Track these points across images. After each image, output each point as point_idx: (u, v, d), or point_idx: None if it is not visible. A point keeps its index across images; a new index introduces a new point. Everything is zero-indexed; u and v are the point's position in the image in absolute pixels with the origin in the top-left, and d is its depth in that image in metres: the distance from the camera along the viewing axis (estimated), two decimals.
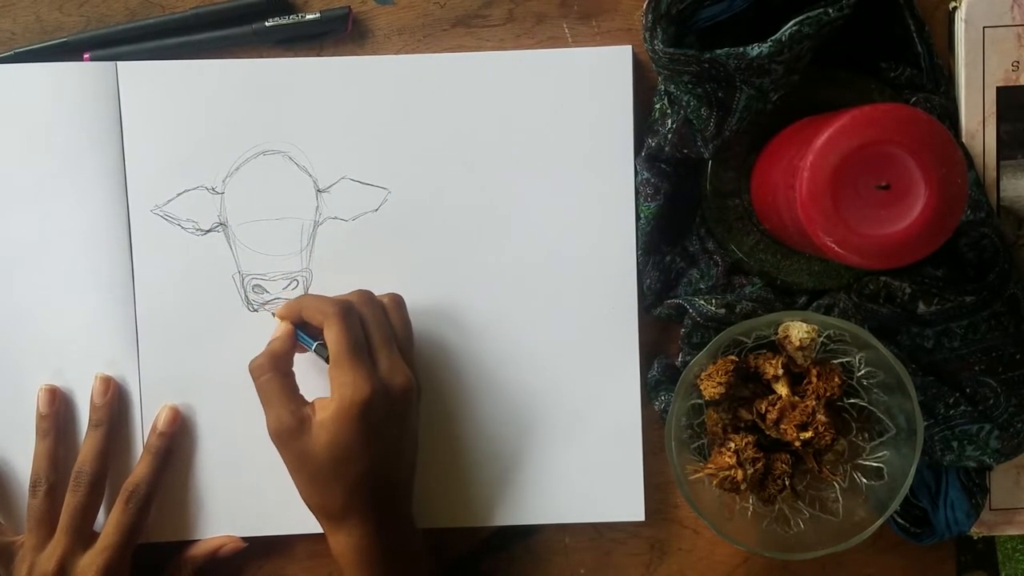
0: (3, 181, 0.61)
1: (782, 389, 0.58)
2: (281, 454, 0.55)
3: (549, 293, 0.62)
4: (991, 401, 0.61)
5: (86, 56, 0.61)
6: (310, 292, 0.62)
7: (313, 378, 0.59)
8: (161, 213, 0.61)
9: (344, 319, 0.55)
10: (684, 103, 0.58)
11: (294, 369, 0.57)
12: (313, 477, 0.55)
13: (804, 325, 0.58)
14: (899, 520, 0.62)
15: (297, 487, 0.56)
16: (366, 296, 0.58)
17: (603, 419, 0.63)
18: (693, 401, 0.60)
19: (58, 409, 0.61)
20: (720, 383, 0.57)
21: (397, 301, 0.59)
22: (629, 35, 0.62)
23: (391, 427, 0.56)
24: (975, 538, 0.65)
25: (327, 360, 0.55)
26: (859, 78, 0.60)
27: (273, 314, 0.59)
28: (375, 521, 0.55)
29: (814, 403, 0.57)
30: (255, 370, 0.56)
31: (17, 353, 0.61)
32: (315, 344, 0.57)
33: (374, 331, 0.56)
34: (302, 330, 0.58)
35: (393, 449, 0.56)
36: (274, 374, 0.55)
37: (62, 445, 0.61)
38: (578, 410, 0.63)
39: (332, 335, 0.54)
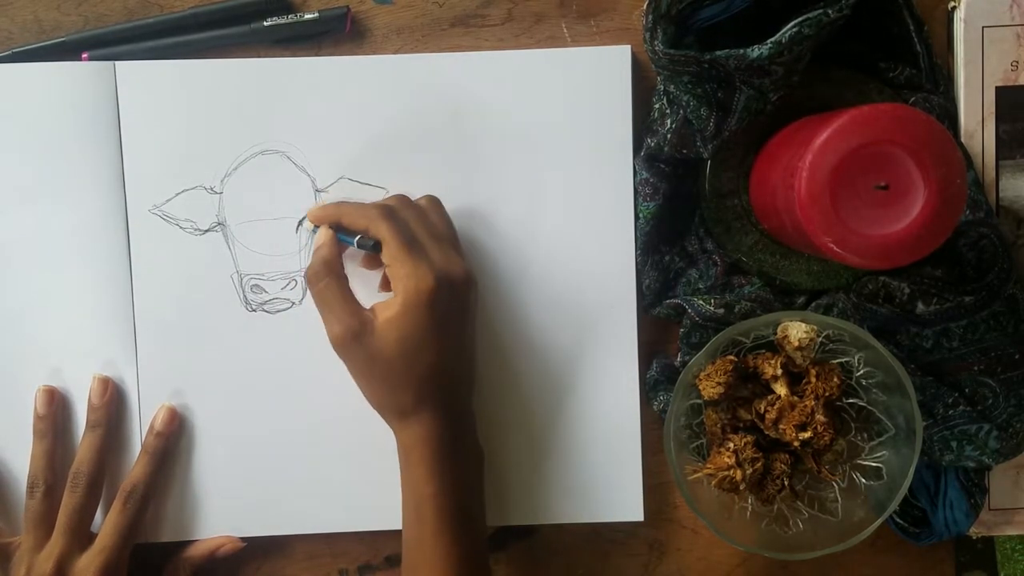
0: (1, 181, 0.61)
1: (781, 389, 0.58)
2: (346, 360, 0.55)
3: (548, 293, 0.62)
4: (990, 401, 0.61)
5: (84, 56, 0.61)
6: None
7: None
8: (159, 213, 0.61)
9: (391, 218, 0.55)
10: (684, 103, 0.58)
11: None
12: (383, 377, 0.55)
13: (803, 325, 0.58)
14: (898, 520, 0.62)
15: (364, 391, 0.56)
16: (403, 199, 0.58)
17: (602, 419, 0.63)
18: (692, 401, 0.60)
19: (56, 410, 0.61)
20: (719, 383, 0.57)
21: (434, 201, 0.59)
22: (628, 35, 0.62)
23: (455, 317, 0.56)
24: (974, 538, 0.65)
25: (371, 249, 0.55)
26: (858, 78, 0.60)
27: (300, 223, 0.60)
28: (444, 411, 0.56)
29: (813, 403, 0.57)
30: (312, 277, 0.56)
31: (15, 353, 0.61)
32: (357, 238, 0.56)
33: (419, 228, 0.56)
34: (340, 234, 0.57)
35: (457, 341, 0.57)
36: (331, 278, 0.55)
37: (60, 446, 0.61)
38: (577, 410, 0.63)
39: (384, 233, 0.54)
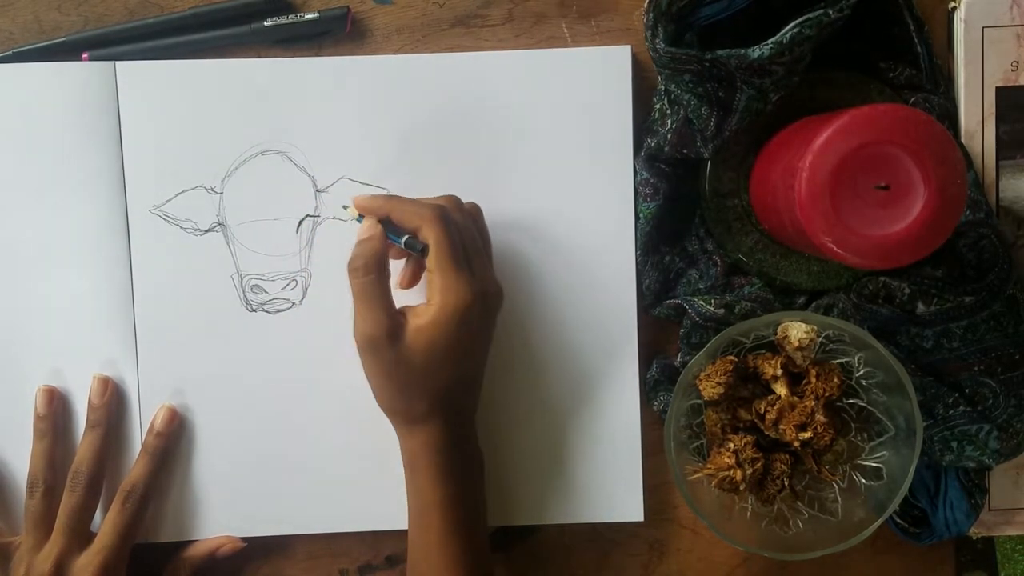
0: (1, 181, 0.61)
1: (781, 389, 0.58)
2: (369, 359, 0.54)
3: (548, 293, 0.62)
4: (990, 401, 0.61)
5: (85, 56, 0.61)
6: (309, 289, 0.61)
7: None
8: (160, 213, 0.61)
9: (445, 223, 0.54)
10: (685, 102, 0.58)
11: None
12: (402, 383, 0.54)
13: (803, 325, 0.58)
14: (898, 520, 0.62)
15: (379, 392, 0.55)
16: (457, 202, 0.57)
17: (602, 419, 0.63)
18: (692, 401, 0.60)
19: (56, 410, 0.61)
20: (719, 383, 0.57)
21: (479, 210, 0.59)
22: (628, 35, 0.62)
23: (483, 335, 0.56)
24: (974, 538, 0.65)
25: (419, 253, 0.54)
26: (858, 78, 0.60)
27: (345, 208, 0.57)
28: (452, 424, 0.56)
29: (813, 403, 0.57)
30: (356, 270, 0.54)
31: (15, 353, 0.61)
32: (405, 238, 0.55)
33: (467, 239, 0.55)
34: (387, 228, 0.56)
35: (478, 357, 0.57)
36: (378, 275, 0.54)
37: (60, 446, 0.61)
38: (577, 410, 0.63)
39: (434, 238, 0.53)
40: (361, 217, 0.56)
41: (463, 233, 0.55)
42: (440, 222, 0.53)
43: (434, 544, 0.55)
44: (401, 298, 0.56)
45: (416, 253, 0.55)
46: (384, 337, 0.53)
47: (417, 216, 0.54)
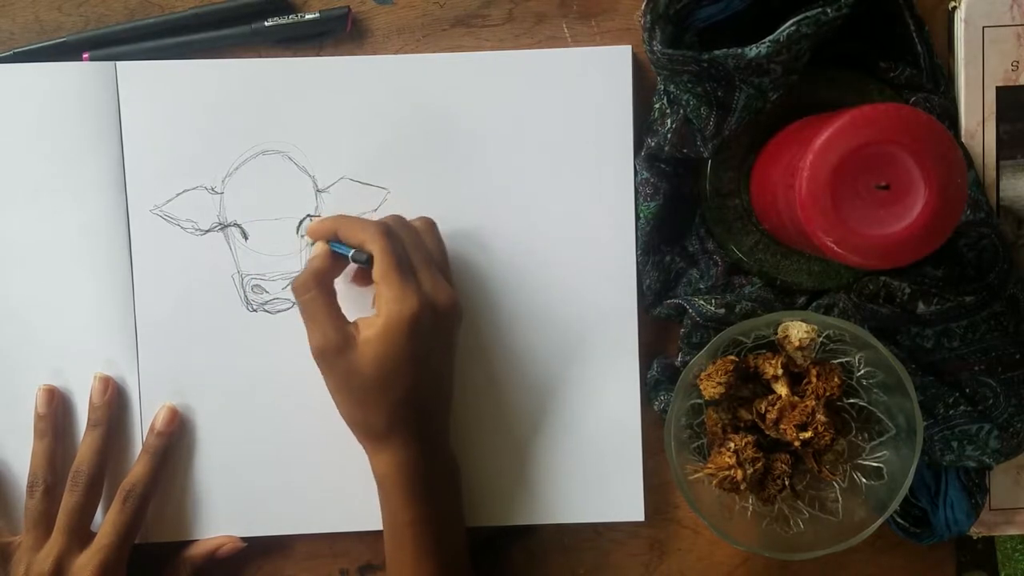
0: (2, 181, 0.61)
1: (782, 389, 0.58)
2: (325, 374, 0.55)
3: (549, 293, 0.62)
4: (991, 401, 0.61)
5: (85, 56, 0.61)
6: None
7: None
8: (160, 213, 0.61)
9: (387, 237, 0.55)
10: (684, 102, 0.58)
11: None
12: (358, 395, 0.55)
13: (804, 325, 0.58)
14: (899, 520, 0.62)
15: (339, 407, 0.56)
16: (400, 219, 0.58)
17: (603, 419, 0.63)
18: (693, 401, 0.60)
19: (56, 409, 0.61)
20: (720, 383, 0.57)
21: (430, 223, 0.59)
22: (629, 35, 0.62)
23: (436, 345, 0.56)
24: (975, 538, 0.65)
25: (364, 264, 0.55)
26: (858, 78, 0.60)
27: (301, 236, 0.60)
28: (417, 441, 0.56)
29: (814, 403, 0.57)
30: (299, 288, 0.56)
31: (16, 353, 0.61)
32: (352, 251, 0.56)
33: (412, 251, 0.56)
34: (335, 244, 0.57)
35: (436, 369, 0.57)
36: (319, 291, 0.55)
37: (60, 445, 0.61)
38: (578, 410, 0.63)
39: (377, 251, 0.54)
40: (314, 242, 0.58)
41: (409, 245, 0.56)
42: (382, 236, 0.54)
43: (409, 562, 0.56)
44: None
45: (362, 264, 0.56)
46: (333, 350, 0.54)
47: (361, 231, 0.55)
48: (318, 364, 0.55)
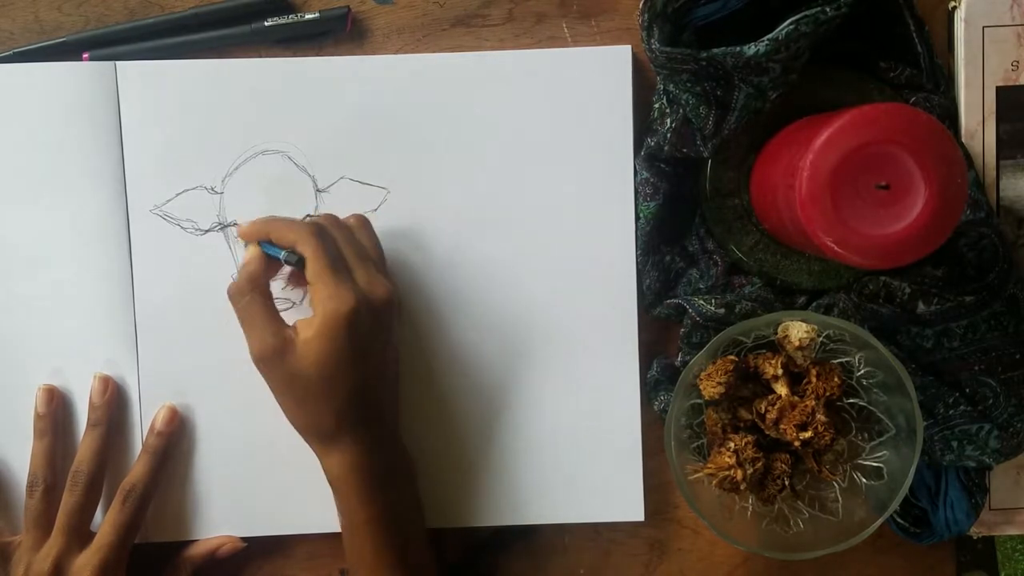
0: (2, 181, 0.61)
1: (781, 389, 0.58)
2: (267, 378, 0.55)
3: (549, 293, 0.62)
4: (991, 401, 0.61)
5: (85, 56, 0.61)
6: None
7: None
8: (160, 213, 0.61)
9: (318, 236, 0.54)
10: (683, 101, 0.58)
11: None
12: (302, 397, 0.55)
13: (804, 325, 0.58)
14: (899, 520, 0.62)
15: (285, 410, 0.56)
16: (333, 218, 0.58)
17: (603, 419, 0.63)
18: (693, 401, 0.60)
19: (56, 409, 0.61)
20: (720, 383, 0.57)
21: (363, 221, 0.59)
22: (628, 35, 0.62)
23: (376, 339, 0.55)
24: (975, 538, 0.65)
25: (296, 265, 0.55)
26: (858, 78, 0.60)
27: (236, 237, 0.59)
28: (367, 439, 0.56)
29: (813, 403, 0.57)
30: (235, 294, 0.55)
31: (16, 353, 0.61)
32: (284, 252, 0.55)
33: (346, 248, 0.56)
34: (268, 247, 0.57)
35: (379, 363, 0.56)
36: (254, 295, 0.55)
37: (60, 445, 0.61)
38: (578, 410, 0.63)
39: (309, 252, 0.54)
40: (248, 244, 0.57)
41: (342, 243, 0.56)
42: (313, 236, 0.54)
43: (368, 559, 0.56)
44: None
45: (294, 266, 0.55)
46: (272, 354, 0.54)
47: (292, 232, 0.55)
48: (259, 369, 0.55)
